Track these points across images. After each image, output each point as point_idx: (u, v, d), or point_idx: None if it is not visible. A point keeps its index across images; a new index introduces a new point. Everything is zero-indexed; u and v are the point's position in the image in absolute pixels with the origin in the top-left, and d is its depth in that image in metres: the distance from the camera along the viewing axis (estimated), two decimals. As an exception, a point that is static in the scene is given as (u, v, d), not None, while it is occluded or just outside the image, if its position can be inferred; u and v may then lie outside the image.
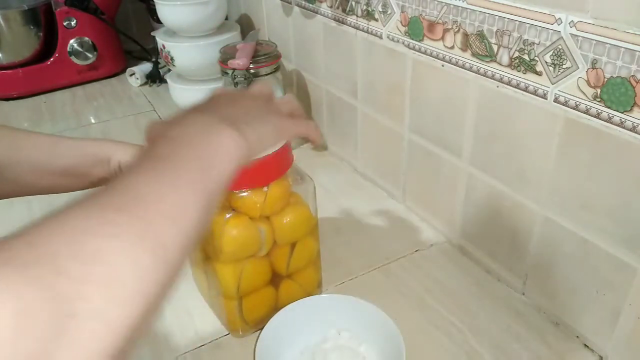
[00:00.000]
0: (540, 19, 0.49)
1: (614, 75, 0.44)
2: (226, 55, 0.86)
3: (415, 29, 0.65)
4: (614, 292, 0.50)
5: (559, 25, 0.47)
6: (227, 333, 0.58)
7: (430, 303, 0.61)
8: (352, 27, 0.77)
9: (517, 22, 0.51)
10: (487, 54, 0.56)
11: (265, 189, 0.51)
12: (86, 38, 1.21)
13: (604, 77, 0.45)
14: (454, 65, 0.60)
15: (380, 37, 0.72)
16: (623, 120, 0.44)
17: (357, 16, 0.75)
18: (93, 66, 1.25)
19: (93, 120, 1.12)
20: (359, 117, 0.83)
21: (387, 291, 0.63)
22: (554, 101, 0.50)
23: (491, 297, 0.62)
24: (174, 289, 0.28)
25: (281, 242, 0.54)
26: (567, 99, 0.49)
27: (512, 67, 0.53)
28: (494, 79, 0.56)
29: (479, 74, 0.57)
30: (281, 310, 0.54)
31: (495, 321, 0.59)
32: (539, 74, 0.51)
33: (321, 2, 0.83)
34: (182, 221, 0.29)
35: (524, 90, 0.53)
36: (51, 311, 0.22)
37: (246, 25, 1.15)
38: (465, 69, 0.59)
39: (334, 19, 0.81)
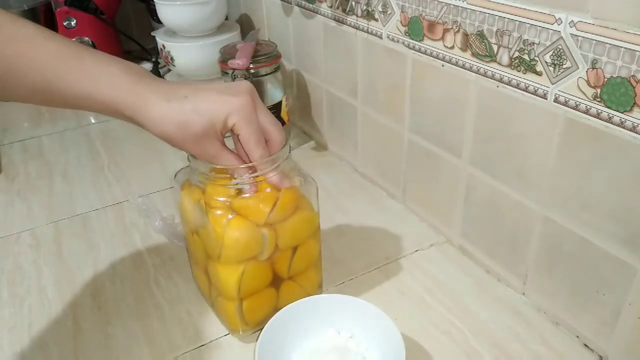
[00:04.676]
0: (540, 19, 0.49)
1: (614, 75, 0.44)
2: (226, 55, 0.86)
3: (415, 29, 0.65)
4: (614, 292, 0.50)
5: (559, 25, 0.47)
6: (227, 333, 0.58)
7: (430, 303, 0.61)
8: (352, 27, 0.77)
9: (517, 22, 0.51)
10: (487, 54, 0.56)
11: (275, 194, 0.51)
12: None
13: (604, 77, 0.45)
14: (454, 65, 0.60)
15: (380, 37, 0.72)
16: (623, 120, 0.44)
17: (357, 16, 0.75)
18: (93, 66, 1.25)
19: (93, 121, 1.12)
20: (359, 117, 0.83)
21: (387, 291, 0.63)
22: (554, 101, 0.50)
23: (491, 297, 0.62)
24: None
25: (284, 246, 0.54)
26: (567, 99, 0.49)
27: (512, 67, 0.53)
28: (494, 79, 0.56)
29: (479, 74, 0.57)
30: (281, 310, 0.54)
31: (495, 321, 0.59)
32: (539, 74, 0.51)
33: (321, 2, 0.83)
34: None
35: (524, 90, 0.53)
36: None
37: (246, 25, 1.15)
38: (465, 69, 0.59)
39: (334, 19, 0.81)
